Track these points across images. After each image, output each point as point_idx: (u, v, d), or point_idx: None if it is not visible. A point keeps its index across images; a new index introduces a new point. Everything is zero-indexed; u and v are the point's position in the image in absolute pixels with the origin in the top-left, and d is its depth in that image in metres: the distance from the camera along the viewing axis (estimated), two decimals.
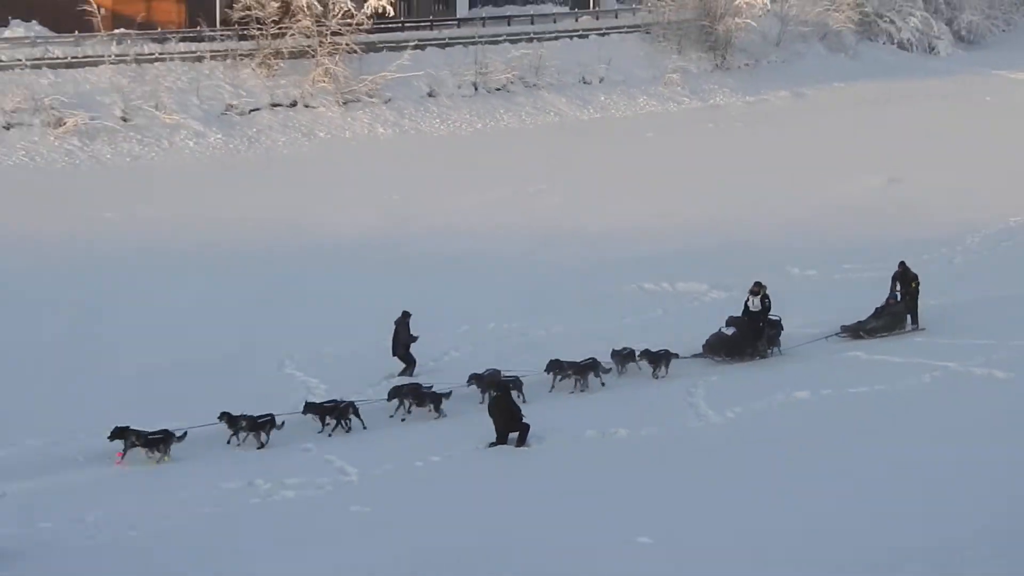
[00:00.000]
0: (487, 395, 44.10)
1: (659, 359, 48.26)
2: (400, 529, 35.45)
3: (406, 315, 48.59)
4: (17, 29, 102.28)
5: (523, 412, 42.19)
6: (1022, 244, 69.68)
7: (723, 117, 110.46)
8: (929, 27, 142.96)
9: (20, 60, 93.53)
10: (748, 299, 51.07)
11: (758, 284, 51.31)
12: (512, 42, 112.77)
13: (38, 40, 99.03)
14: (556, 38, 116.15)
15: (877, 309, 53.10)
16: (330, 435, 42.07)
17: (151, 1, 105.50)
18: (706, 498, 37.44)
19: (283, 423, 41.84)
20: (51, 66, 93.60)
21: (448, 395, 44.69)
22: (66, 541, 34.75)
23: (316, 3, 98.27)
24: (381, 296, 52.64)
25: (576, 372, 47.00)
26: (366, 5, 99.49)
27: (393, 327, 48.51)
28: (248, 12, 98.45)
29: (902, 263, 53.73)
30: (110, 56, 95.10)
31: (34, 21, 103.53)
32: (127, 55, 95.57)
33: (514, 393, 43.64)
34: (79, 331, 53.78)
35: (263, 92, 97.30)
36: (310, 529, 35.66)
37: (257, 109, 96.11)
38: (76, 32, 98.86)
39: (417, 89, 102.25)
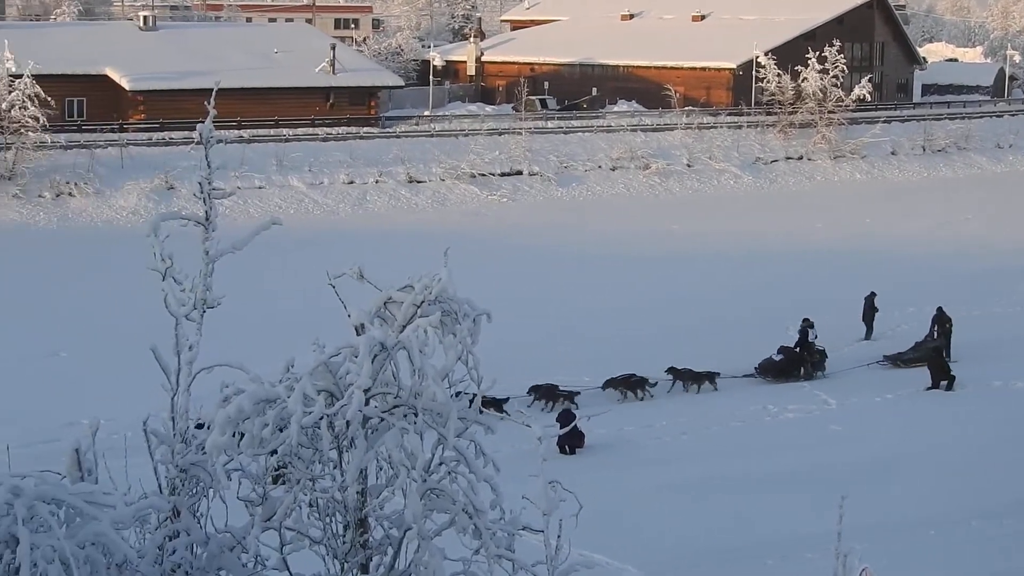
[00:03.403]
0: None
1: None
2: (864, 441, 35.37)
3: (872, 295, 47.72)
4: (622, 106, 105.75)
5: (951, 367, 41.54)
6: None
7: None
8: None
9: (623, 125, 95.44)
10: (803, 331, 43.42)
11: (806, 319, 43.75)
12: (950, 119, 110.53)
13: (635, 113, 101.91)
14: (980, 116, 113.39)
15: (916, 343, 45.08)
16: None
17: (710, 89, 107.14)
18: None
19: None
20: (643, 129, 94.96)
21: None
22: (642, 439, 35.76)
23: (819, 92, 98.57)
24: (854, 282, 51.44)
25: None
26: (852, 93, 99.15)
27: (863, 302, 47.78)
28: (773, 97, 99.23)
29: (939, 308, 45.85)
30: (681, 124, 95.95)
31: (633, 101, 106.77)
32: (692, 124, 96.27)
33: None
34: (647, 298, 53.49)
35: (780, 149, 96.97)
36: (802, 438, 35.96)
37: (776, 160, 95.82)
38: (659, 108, 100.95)
39: (883, 149, 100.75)
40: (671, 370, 40.72)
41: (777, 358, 42.74)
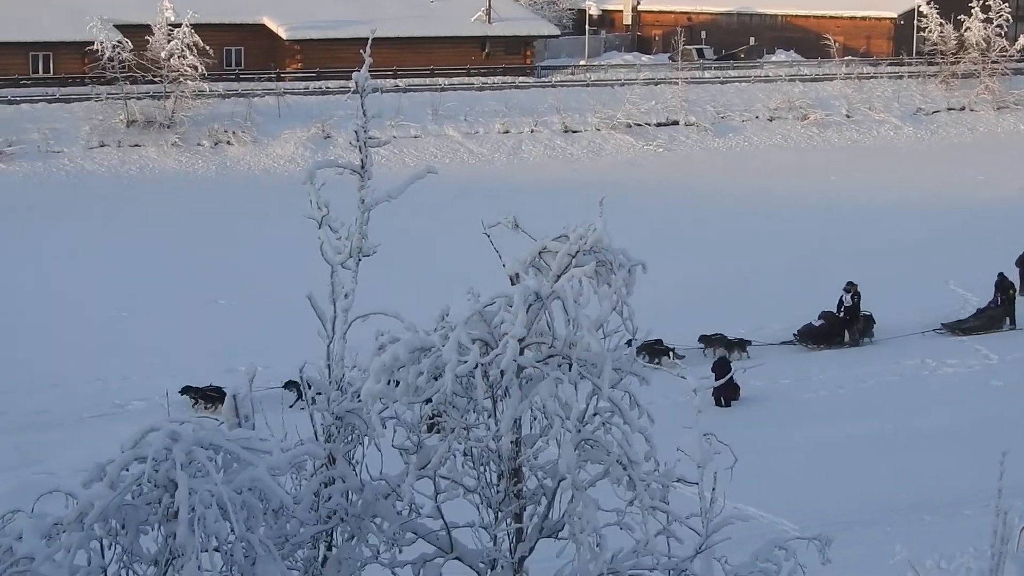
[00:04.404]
0: None
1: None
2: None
3: None
4: (780, 55, 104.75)
5: None
6: None
7: None
8: None
9: (781, 75, 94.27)
10: (842, 296, 40.73)
11: (851, 283, 41.11)
12: None
13: (794, 63, 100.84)
14: None
15: (978, 310, 43.19)
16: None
17: (870, 38, 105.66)
18: None
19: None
20: (801, 79, 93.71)
21: None
22: (798, 392, 35.63)
23: (982, 41, 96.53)
24: (1017, 236, 50.17)
25: None
26: (1017, 43, 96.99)
27: (1018, 258, 46.71)
28: (935, 47, 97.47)
29: (1000, 273, 43.55)
30: (840, 74, 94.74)
31: (792, 50, 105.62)
32: (852, 73, 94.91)
33: None
34: (803, 251, 52.94)
35: (942, 100, 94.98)
36: (962, 393, 35.41)
37: (937, 111, 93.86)
38: (818, 58, 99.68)
39: None
40: (703, 338, 38.67)
41: (818, 323, 40.76)
